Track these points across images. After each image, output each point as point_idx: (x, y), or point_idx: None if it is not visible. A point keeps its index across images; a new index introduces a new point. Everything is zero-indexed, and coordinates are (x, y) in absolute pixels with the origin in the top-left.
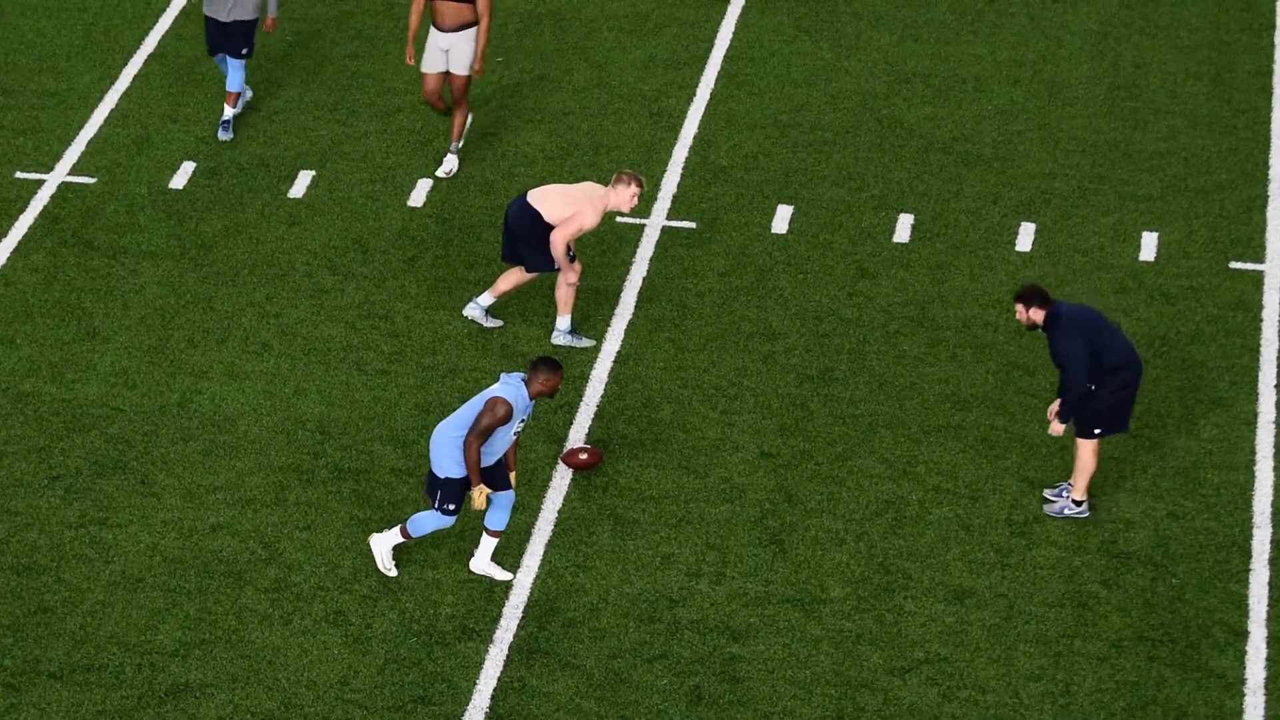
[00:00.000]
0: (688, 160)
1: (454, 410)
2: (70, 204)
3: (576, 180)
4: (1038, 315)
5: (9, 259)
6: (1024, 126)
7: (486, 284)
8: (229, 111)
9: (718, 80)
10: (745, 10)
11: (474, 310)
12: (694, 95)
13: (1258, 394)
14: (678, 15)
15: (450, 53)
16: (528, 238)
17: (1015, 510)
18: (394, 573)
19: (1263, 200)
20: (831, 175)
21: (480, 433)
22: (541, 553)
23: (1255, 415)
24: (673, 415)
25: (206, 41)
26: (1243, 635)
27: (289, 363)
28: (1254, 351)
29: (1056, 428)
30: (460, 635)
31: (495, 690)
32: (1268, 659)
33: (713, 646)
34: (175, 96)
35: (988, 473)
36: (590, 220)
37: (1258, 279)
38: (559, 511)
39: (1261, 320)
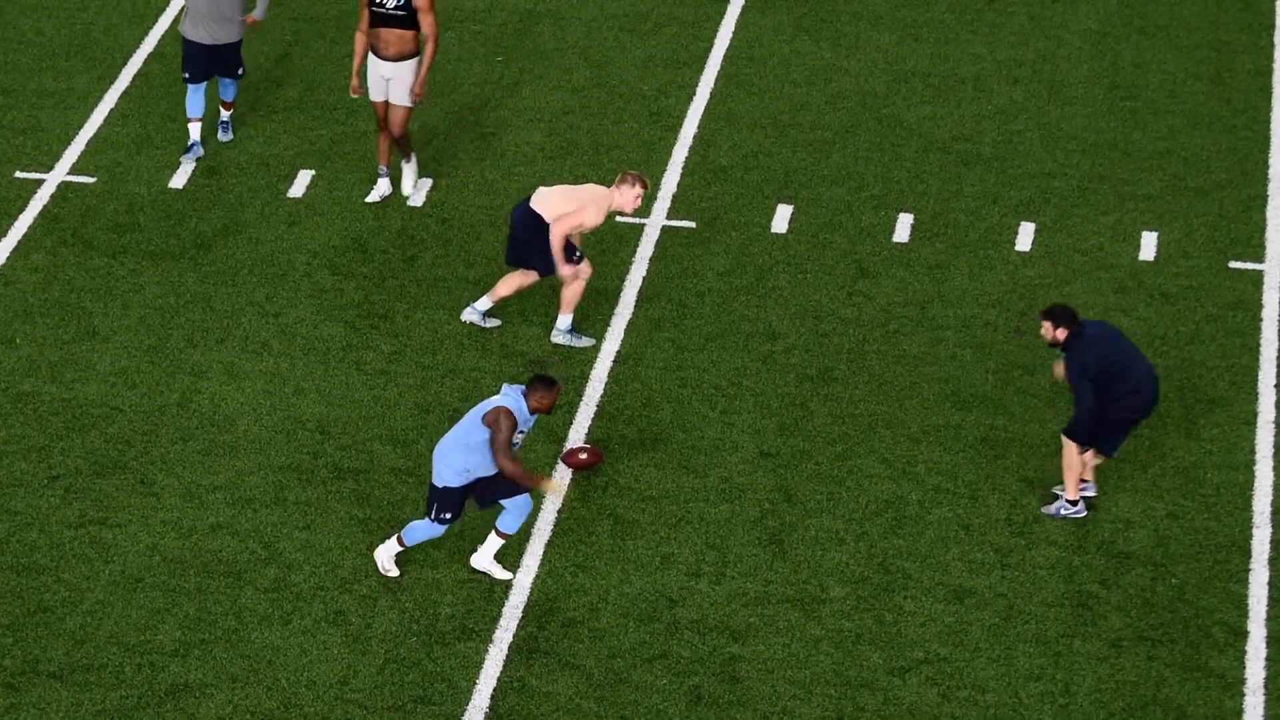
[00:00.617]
0: (687, 160)
1: (458, 416)
2: (70, 203)
3: (579, 182)
4: (1062, 334)
5: (9, 258)
6: (1023, 126)
7: (487, 285)
8: (226, 114)
9: (718, 80)
10: (745, 10)
11: (471, 315)
12: (694, 95)
13: (1257, 393)
14: (677, 15)
15: (391, 82)
16: (529, 241)
17: (1015, 510)
18: (395, 572)
19: (1262, 200)
20: (831, 175)
21: (502, 447)
22: (541, 552)
23: (1255, 415)
24: (672, 415)
25: (183, 67)
26: (1242, 635)
27: (288, 362)
28: (1253, 351)
29: (1069, 450)
30: (460, 635)
31: (495, 690)
32: (1267, 659)
33: (712, 646)
34: (175, 96)
35: (987, 472)
36: (592, 218)
37: (1257, 278)
38: (559, 512)
39: (1261, 320)
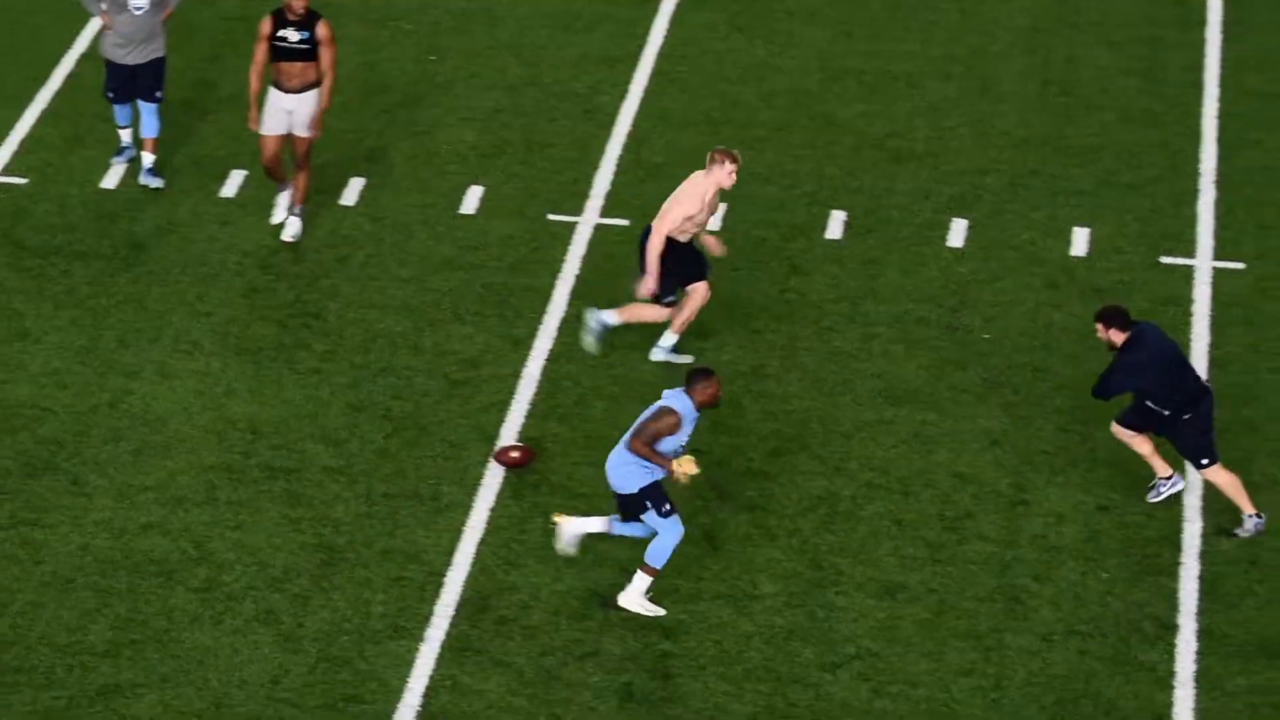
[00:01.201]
0: (621, 157)
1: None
2: (1, 204)
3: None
4: (1117, 337)
5: None
6: (956, 122)
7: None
8: (149, 159)
9: (651, 77)
10: (678, 7)
11: (659, 354)
12: (627, 92)
13: None
14: (610, 12)
15: (294, 114)
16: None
17: (947, 505)
18: (660, 610)
19: (1193, 195)
20: (764, 172)
21: (647, 438)
22: (473, 551)
23: None
24: (605, 412)
25: (106, 86)
26: (1173, 629)
27: (220, 362)
28: (1184, 346)
29: (1130, 440)
30: (392, 633)
31: (427, 688)
32: (1197, 652)
33: (644, 643)
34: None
35: (919, 468)
36: (692, 207)
37: (1188, 273)
38: (491, 510)
39: (1192, 315)
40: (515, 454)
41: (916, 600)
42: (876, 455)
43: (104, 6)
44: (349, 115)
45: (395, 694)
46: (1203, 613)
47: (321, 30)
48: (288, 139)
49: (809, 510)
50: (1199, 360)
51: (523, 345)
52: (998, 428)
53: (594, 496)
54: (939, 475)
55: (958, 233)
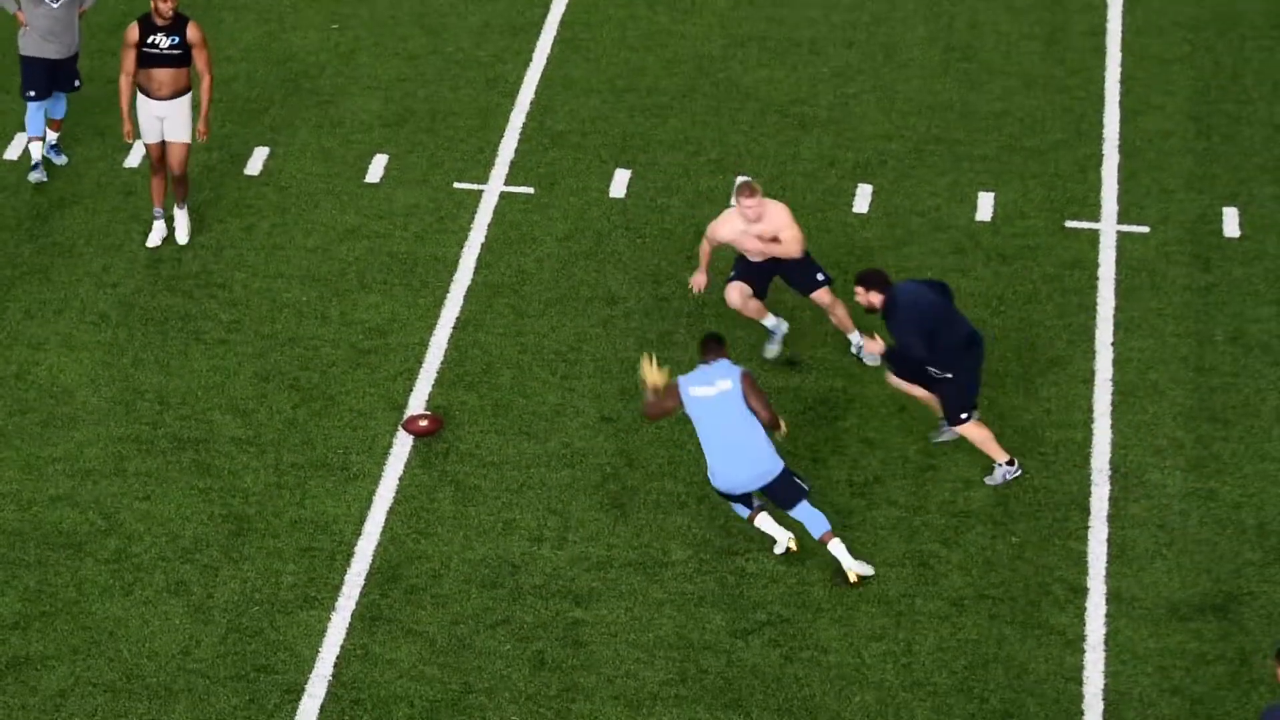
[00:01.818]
0: (525, 125)
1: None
2: None
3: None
4: (876, 299)
5: None
6: (859, 89)
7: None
8: (53, 136)
9: (554, 45)
10: None
11: (772, 350)
12: (530, 61)
13: (1094, 352)
14: None
15: (166, 121)
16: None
17: (855, 471)
18: (869, 569)
19: (1097, 159)
20: (669, 139)
21: (767, 403)
22: (383, 520)
23: (1092, 374)
24: (512, 380)
25: (26, 86)
26: (1082, 592)
27: (126, 333)
28: (1090, 310)
29: (873, 345)
30: (302, 604)
31: (338, 658)
32: (1106, 615)
33: (555, 611)
34: (7, 67)
35: (827, 434)
36: (724, 233)
37: (1093, 238)
38: (399, 479)
39: (1098, 279)
40: (424, 422)
41: (826, 566)
42: (786, 422)
43: (19, 4)
44: (253, 85)
45: (307, 664)
46: (1111, 576)
47: (192, 33)
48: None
49: None
50: (1104, 324)
51: (429, 314)
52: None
53: (503, 465)
54: (847, 441)
55: (863, 199)
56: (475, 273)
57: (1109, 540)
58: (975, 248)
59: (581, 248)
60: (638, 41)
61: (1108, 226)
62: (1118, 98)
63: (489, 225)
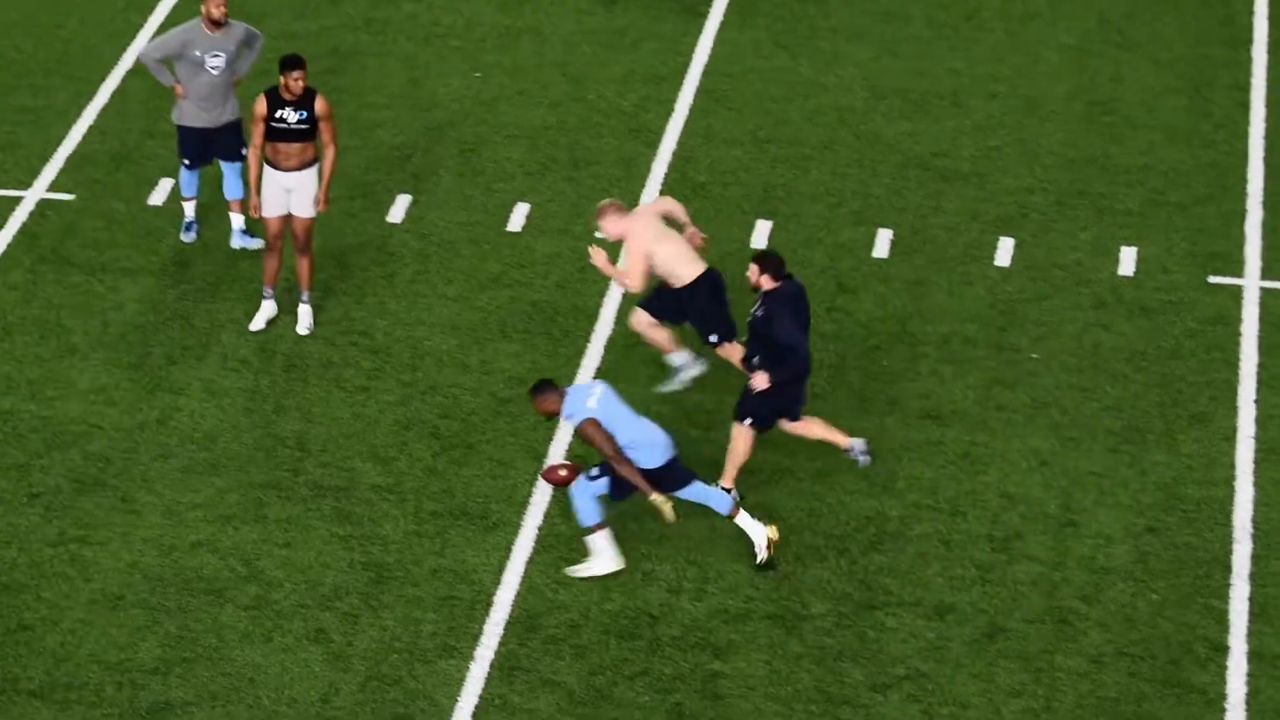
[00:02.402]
0: (666, 176)
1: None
2: (49, 221)
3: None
4: (767, 284)
5: None
6: (1002, 141)
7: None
8: (239, 220)
9: (696, 95)
10: (723, 26)
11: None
12: (672, 110)
13: (1237, 409)
14: (655, 30)
15: (293, 193)
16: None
17: (996, 526)
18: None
19: (1241, 214)
20: (810, 191)
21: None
22: (522, 570)
23: (1235, 430)
24: None
25: (181, 153)
26: (1223, 650)
27: (268, 379)
28: (1233, 366)
29: (760, 380)
30: (441, 652)
31: (476, 707)
32: (1248, 674)
33: (694, 663)
34: (153, 112)
35: (968, 488)
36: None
37: (1236, 293)
38: (539, 528)
39: (1240, 335)
40: (563, 472)
41: (966, 621)
42: (925, 475)
43: (177, 77)
44: (397, 132)
45: (445, 713)
46: (1253, 635)
47: (320, 107)
48: (288, 219)
49: (857, 530)
50: (1247, 380)
51: (570, 363)
52: (1046, 448)
53: (643, 515)
54: (987, 496)
55: (1004, 252)
56: (616, 323)
57: (1250, 599)
58: (1117, 302)
59: None
60: (779, 92)
61: (1251, 282)
62: (1262, 153)
63: None
